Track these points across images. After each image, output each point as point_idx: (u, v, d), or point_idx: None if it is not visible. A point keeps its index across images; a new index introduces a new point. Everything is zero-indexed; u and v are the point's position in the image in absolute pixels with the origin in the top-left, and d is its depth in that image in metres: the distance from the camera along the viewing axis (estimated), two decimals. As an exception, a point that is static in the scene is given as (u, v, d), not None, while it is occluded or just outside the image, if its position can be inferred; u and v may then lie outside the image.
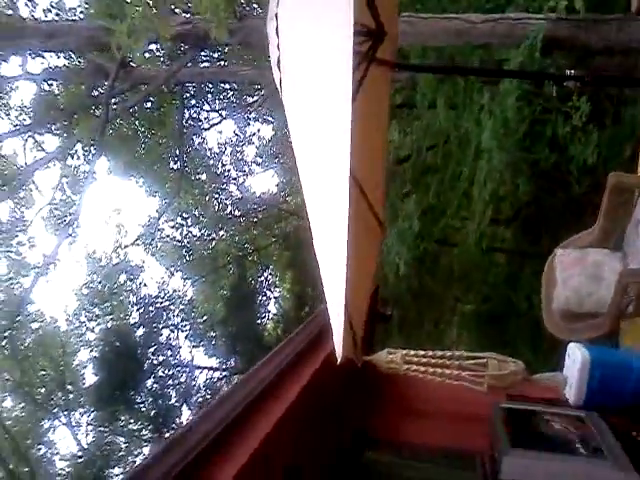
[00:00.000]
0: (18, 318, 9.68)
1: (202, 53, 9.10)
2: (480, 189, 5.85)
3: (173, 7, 7.76)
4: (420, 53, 5.56)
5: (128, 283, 12.28)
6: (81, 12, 9.91)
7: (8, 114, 10.52)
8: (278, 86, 2.22)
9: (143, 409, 10.48)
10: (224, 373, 11.49)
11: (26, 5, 8.83)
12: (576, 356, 2.65)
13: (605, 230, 3.41)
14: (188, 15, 7.02)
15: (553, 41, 4.88)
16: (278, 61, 2.17)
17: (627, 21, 4.89)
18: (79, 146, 9.76)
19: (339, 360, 1.79)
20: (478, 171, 5.69)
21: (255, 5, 7.37)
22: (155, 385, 10.78)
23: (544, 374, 2.86)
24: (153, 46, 8.30)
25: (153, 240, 12.50)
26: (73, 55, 9.42)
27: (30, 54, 8.45)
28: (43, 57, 9.16)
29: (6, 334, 9.54)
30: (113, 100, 9.04)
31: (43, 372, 10.86)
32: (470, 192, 6.15)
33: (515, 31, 4.97)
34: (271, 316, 12.35)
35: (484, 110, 5.05)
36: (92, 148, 9.82)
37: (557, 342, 3.20)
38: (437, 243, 7.86)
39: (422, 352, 3.02)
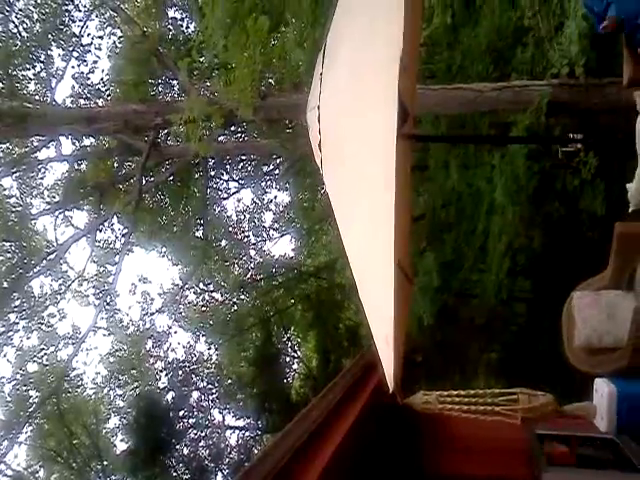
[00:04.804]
0: (59, 386, 9.86)
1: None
2: (495, 242, 6.08)
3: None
4: (432, 120, 5.93)
5: (155, 349, 12.50)
6: (108, 95, 10.67)
7: (42, 193, 11.12)
8: (319, 164, 2.61)
9: (177, 472, 10.45)
10: (255, 432, 11.45)
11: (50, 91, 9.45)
12: (604, 391, 2.87)
13: (616, 273, 3.68)
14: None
15: (557, 105, 5.15)
16: (319, 143, 2.57)
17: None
18: (110, 220, 10.24)
19: (391, 389, 2.08)
20: (492, 225, 5.93)
21: (275, 84, 7.91)
22: (187, 448, 10.79)
23: (574, 404, 3.05)
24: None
25: (178, 307, 12.81)
26: (102, 136, 10.03)
27: (67, 137, 9.04)
28: (76, 139, 9.82)
29: (46, 402, 9.74)
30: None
31: (76, 440, 10.93)
32: (485, 246, 6.38)
33: (520, 97, 5.26)
34: (296, 375, 12.42)
35: (495, 169, 5.35)
36: (122, 222, 10.34)
37: (582, 378, 3.40)
38: (456, 296, 8.04)
39: (455, 392, 3.25)
